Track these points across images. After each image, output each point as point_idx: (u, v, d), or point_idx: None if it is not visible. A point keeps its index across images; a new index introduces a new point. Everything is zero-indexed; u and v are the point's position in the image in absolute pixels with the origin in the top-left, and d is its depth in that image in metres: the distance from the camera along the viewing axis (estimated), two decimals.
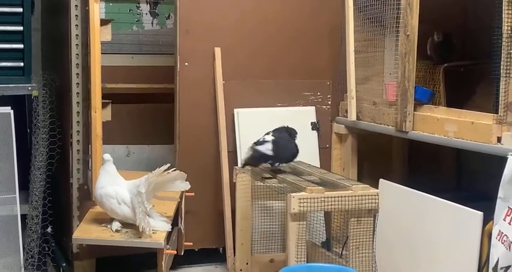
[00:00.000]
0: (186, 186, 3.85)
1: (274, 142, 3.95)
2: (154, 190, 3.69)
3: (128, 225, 3.70)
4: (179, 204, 4.19)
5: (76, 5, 4.20)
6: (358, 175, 4.63)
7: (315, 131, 4.73)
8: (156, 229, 3.67)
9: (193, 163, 4.52)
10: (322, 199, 3.56)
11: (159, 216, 3.76)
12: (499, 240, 3.19)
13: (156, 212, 3.78)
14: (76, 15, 4.21)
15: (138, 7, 5.50)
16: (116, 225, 3.71)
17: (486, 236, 3.36)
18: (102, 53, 4.07)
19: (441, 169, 4.89)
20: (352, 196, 3.60)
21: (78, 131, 4.28)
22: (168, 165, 3.66)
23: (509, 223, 3.15)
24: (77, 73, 4.25)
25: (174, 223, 4.12)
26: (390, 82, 4.22)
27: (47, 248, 4.33)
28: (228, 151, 4.54)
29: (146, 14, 5.53)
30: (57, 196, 4.45)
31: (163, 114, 5.08)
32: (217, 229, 4.58)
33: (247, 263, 4.37)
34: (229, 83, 4.58)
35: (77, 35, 4.23)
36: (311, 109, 4.76)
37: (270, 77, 4.70)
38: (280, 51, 4.71)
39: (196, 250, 4.61)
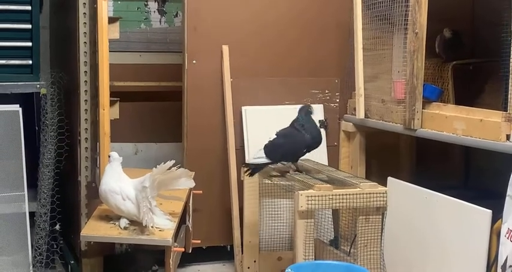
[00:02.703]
0: (191, 183, 3.85)
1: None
2: (159, 186, 3.68)
3: (136, 223, 3.71)
4: (187, 201, 4.19)
5: (84, 3, 4.21)
6: (366, 173, 4.62)
7: (323, 129, 4.72)
8: (159, 226, 3.67)
9: (201, 161, 4.53)
10: (330, 196, 3.55)
11: (162, 214, 3.77)
12: (507, 238, 3.18)
13: (160, 210, 3.79)
14: (84, 13, 4.22)
15: (146, 5, 5.51)
16: (124, 222, 3.71)
17: (495, 235, 3.35)
18: (110, 51, 4.08)
19: (449, 167, 4.87)
20: (360, 194, 3.59)
21: (86, 129, 4.29)
22: (173, 161, 3.66)
23: None
24: (85, 71, 4.26)
25: (182, 220, 4.13)
26: (398, 80, 4.21)
27: (55, 246, 4.34)
28: (236, 149, 4.54)
29: (154, 12, 5.54)
30: (66, 194, 4.47)
31: (171, 112, 5.09)
32: (225, 227, 4.58)
33: (255, 261, 4.37)
34: (237, 81, 4.58)
35: (85, 32, 4.24)
36: (319, 107, 4.75)
37: (278, 75, 4.70)
38: (288, 49, 4.71)
39: (204, 247, 4.61)
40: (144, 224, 3.61)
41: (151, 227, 3.61)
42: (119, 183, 3.72)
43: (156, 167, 3.63)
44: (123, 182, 3.74)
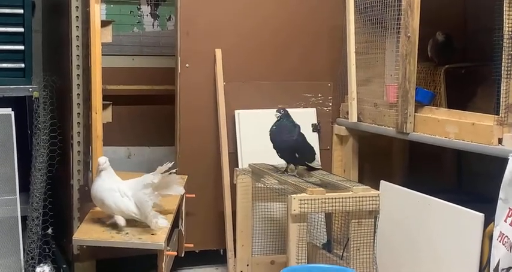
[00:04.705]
0: (181, 190, 3.87)
1: None
2: (155, 189, 3.69)
3: (129, 226, 3.70)
4: (180, 205, 4.18)
5: (77, 6, 4.20)
6: (359, 176, 4.63)
7: (315, 133, 4.72)
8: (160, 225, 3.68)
9: (194, 164, 4.52)
10: (323, 200, 3.55)
11: (158, 214, 3.76)
12: (500, 241, 3.19)
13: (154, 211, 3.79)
14: (77, 17, 4.21)
15: (139, 9, 5.51)
16: (121, 220, 3.71)
17: (487, 238, 3.36)
18: (102, 55, 4.07)
19: (442, 170, 4.88)
20: (353, 198, 3.60)
21: (78, 132, 4.28)
22: (173, 162, 3.68)
23: (510, 224, 3.14)
24: (78, 75, 4.25)
25: (175, 224, 4.12)
26: (391, 83, 4.21)
27: (47, 250, 4.32)
28: (228, 153, 4.54)
29: (147, 15, 5.54)
30: (58, 198, 4.45)
31: (164, 115, 5.08)
32: (217, 231, 4.58)
33: (247, 265, 4.37)
34: (230, 85, 4.58)
35: (77, 36, 4.23)
36: (312, 111, 4.76)
37: (271, 79, 4.70)
38: (281, 53, 4.71)
39: (197, 251, 4.61)
40: (149, 220, 3.62)
41: (155, 223, 3.63)
42: (115, 183, 3.73)
43: (159, 167, 3.65)
44: (119, 181, 3.75)
